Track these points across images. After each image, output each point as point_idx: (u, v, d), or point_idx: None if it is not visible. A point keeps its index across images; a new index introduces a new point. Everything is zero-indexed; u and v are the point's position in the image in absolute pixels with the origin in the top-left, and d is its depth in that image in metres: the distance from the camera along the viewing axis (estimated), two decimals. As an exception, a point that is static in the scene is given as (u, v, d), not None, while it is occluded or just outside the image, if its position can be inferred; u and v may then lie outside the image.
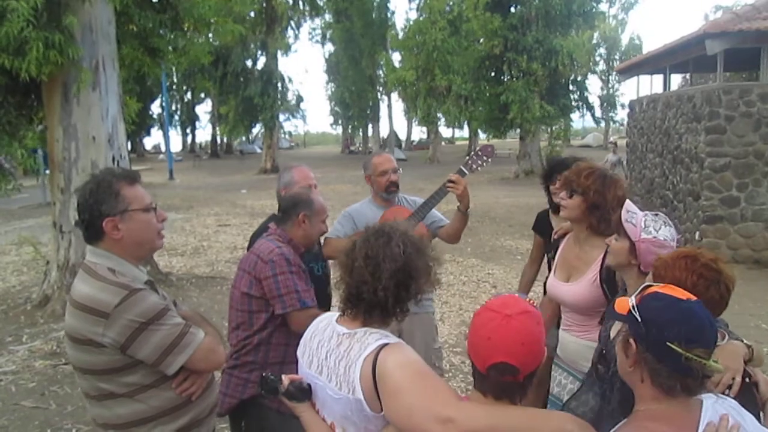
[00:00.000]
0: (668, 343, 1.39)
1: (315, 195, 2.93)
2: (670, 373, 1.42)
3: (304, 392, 1.84)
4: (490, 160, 3.58)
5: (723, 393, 1.72)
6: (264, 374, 1.92)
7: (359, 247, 1.81)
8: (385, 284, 1.74)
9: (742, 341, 1.93)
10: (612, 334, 2.29)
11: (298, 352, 1.96)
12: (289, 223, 2.82)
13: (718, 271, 1.84)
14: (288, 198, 2.91)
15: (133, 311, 1.92)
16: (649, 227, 2.23)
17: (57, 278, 7.41)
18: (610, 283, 2.63)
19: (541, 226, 3.88)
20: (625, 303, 1.53)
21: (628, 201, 2.39)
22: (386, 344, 1.71)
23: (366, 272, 1.76)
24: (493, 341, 1.54)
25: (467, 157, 3.61)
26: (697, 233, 9.84)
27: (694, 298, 1.49)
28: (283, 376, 1.88)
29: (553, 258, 3.07)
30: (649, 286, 1.54)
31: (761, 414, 1.77)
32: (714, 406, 1.48)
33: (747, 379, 1.80)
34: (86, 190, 2.03)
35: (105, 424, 2.06)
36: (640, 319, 1.45)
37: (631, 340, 1.47)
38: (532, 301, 1.68)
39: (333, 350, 1.79)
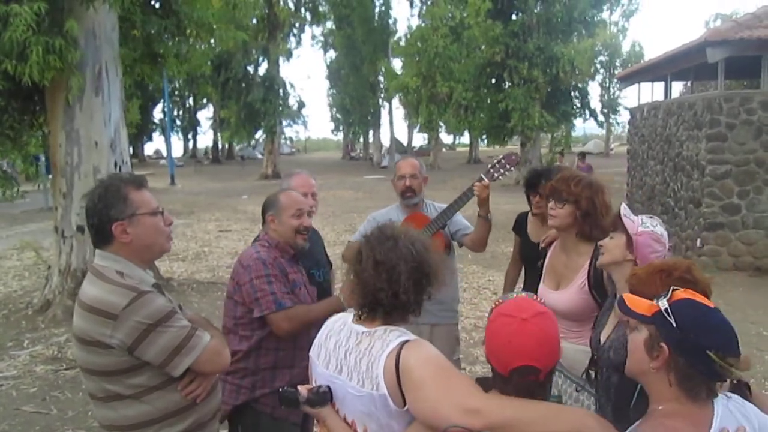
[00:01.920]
0: (708, 352, 1.42)
1: (284, 193, 2.90)
2: (701, 379, 1.46)
3: (324, 396, 1.85)
4: (513, 168, 3.55)
5: None
6: (280, 389, 1.96)
7: (366, 256, 1.83)
8: (405, 287, 1.78)
9: None
10: (602, 339, 2.31)
11: (312, 353, 1.97)
12: (266, 227, 2.85)
13: (693, 282, 1.83)
14: (263, 204, 2.93)
15: (140, 313, 1.94)
16: (645, 222, 2.28)
17: (58, 283, 7.42)
18: (598, 288, 2.67)
19: (519, 227, 3.94)
20: (645, 303, 1.55)
21: (622, 203, 2.43)
22: (407, 341, 1.75)
23: (380, 279, 1.78)
24: (513, 345, 1.59)
25: (489, 165, 3.57)
26: (699, 240, 9.84)
27: (715, 306, 1.53)
28: (299, 387, 1.90)
29: (542, 266, 3.10)
30: (676, 290, 1.55)
31: None
32: (726, 404, 1.52)
33: (734, 381, 1.79)
34: (95, 195, 2.06)
35: (111, 425, 2.07)
36: (676, 325, 1.47)
37: (663, 344, 1.48)
38: (541, 299, 1.71)
39: (352, 349, 1.81)
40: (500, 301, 1.73)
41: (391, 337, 1.76)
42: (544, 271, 3.04)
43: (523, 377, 1.59)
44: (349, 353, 1.82)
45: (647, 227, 2.27)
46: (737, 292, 8.33)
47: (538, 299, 1.70)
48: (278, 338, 2.67)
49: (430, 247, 1.89)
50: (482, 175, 3.45)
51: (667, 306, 1.50)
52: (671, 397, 1.50)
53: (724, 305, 7.41)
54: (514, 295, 1.74)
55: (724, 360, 1.42)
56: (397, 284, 1.77)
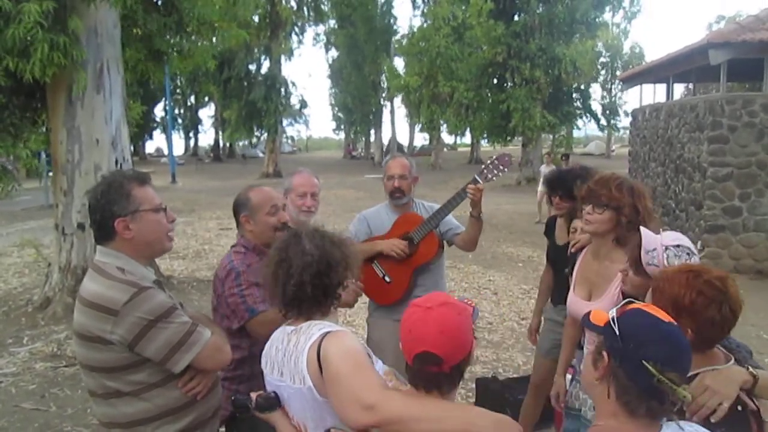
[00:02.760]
0: (644, 362, 1.36)
1: (253, 190, 2.76)
2: (638, 392, 1.39)
3: (271, 401, 1.88)
4: (506, 170, 3.49)
5: (707, 416, 1.68)
6: (233, 397, 1.99)
7: (272, 254, 1.92)
8: (302, 279, 1.83)
9: (759, 369, 1.83)
10: None
11: (262, 364, 1.99)
12: (240, 229, 2.74)
13: (721, 291, 1.75)
14: (233, 207, 2.80)
15: (141, 309, 1.94)
16: (673, 263, 2.07)
17: (58, 280, 7.41)
18: (634, 300, 2.57)
19: (549, 230, 3.91)
20: (603, 315, 1.51)
21: (644, 236, 2.19)
22: (329, 332, 1.78)
23: (281, 273, 1.85)
24: (413, 333, 1.60)
25: (483, 166, 3.53)
26: (699, 243, 9.83)
27: (674, 322, 1.46)
28: (251, 393, 1.93)
29: (571, 273, 2.99)
30: (631, 302, 1.52)
31: None
32: None
33: (739, 407, 1.73)
34: (98, 192, 2.06)
35: (110, 422, 2.07)
36: (618, 333, 1.41)
37: (605, 353, 1.44)
38: (470, 302, 1.70)
39: (284, 349, 1.86)
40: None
41: (314, 330, 1.80)
42: (573, 279, 2.93)
43: (424, 364, 1.58)
44: (284, 354, 1.86)
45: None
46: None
47: (469, 301, 1.70)
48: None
49: (341, 243, 1.94)
50: (476, 177, 3.42)
51: (614, 315, 1.46)
52: (610, 412, 1.44)
53: (725, 308, 7.41)
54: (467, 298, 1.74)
55: (662, 374, 1.35)
56: (293, 277, 1.84)
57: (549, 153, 16.09)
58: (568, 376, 3.15)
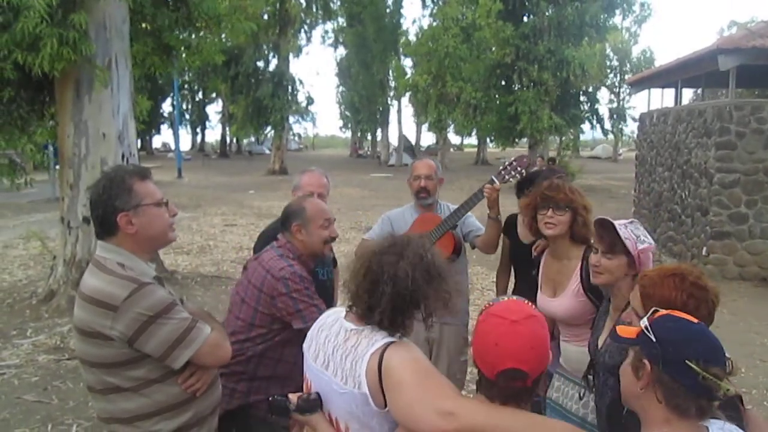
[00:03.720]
0: (687, 362, 1.40)
1: (309, 201, 2.81)
2: (687, 392, 1.42)
3: (314, 403, 1.84)
4: (524, 171, 3.53)
5: None
6: (270, 398, 1.94)
7: (367, 258, 1.82)
8: (383, 307, 1.74)
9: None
10: (600, 344, 2.31)
11: (304, 346, 1.97)
12: (288, 234, 2.76)
13: (705, 289, 1.86)
14: (284, 211, 2.83)
15: (141, 304, 1.94)
16: (639, 236, 2.30)
17: (63, 273, 7.44)
18: (593, 290, 2.66)
19: (509, 229, 3.87)
20: (629, 329, 1.55)
21: (611, 220, 2.40)
22: (393, 342, 1.74)
23: (363, 289, 1.77)
24: (501, 348, 1.55)
25: (501, 167, 3.57)
26: (705, 249, 9.79)
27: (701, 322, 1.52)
28: (290, 395, 1.89)
29: (536, 275, 3.09)
30: (657, 310, 1.55)
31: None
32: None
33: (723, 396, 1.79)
34: (99, 186, 2.06)
35: (109, 418, 2.07)
36: (655, 339, 1.45)
37: (645, 361, 1.46)
38: (531, 304, 1.68)
39: (340, 346, 1.81)
40: (491, 303, 1.71)
41: (378, 336, 1.75)
42: (540, 280, 3.04)
43: (509, 381, 1.55)
44: (336, 350, 1.81)
45: (643, 242, 2.28)
46: (742, 302, 8.29)
47: (528, 303, 1.67)
48: (281, 350, 2.64)
49: (441, 278, 1.80)
50: (493, 177, 3.46)
51: (647, 324, 1.49)
52: (662, 419, 1.46)
53: (729, 315, 7.39)
54: (506, 298, 1.71)
55: (706, 371, 1.39)
56: (375, 300, 1.75)
57: (541, 157, 15.57)
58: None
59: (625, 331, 1.55)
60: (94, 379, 2.05)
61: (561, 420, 2.44)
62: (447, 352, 3.61)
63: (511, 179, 3.52)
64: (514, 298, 1.70)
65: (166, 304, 1.99)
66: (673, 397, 1.43)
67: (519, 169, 3.50)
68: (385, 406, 1.69)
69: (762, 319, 7.47)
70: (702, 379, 1.39)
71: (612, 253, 2.39)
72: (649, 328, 1.47)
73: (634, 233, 2.31)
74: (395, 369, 1.66)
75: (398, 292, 1.74)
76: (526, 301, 1.69)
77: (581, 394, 2.67)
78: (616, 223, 2.34)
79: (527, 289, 3.41)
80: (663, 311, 1.55)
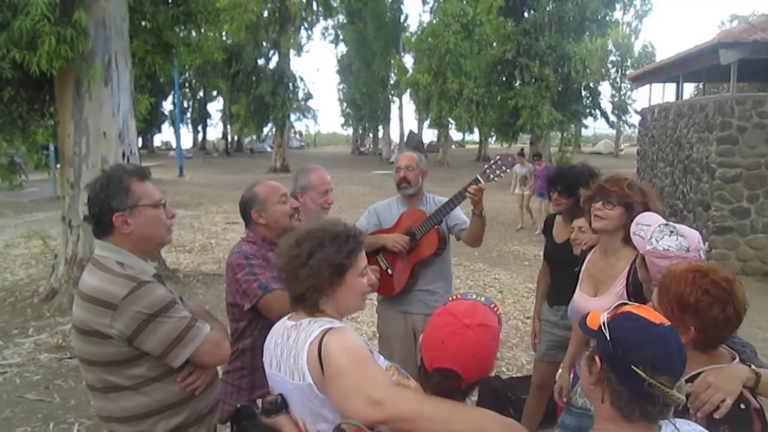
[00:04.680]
0: (633, 367, 1.35)
1: (258, 186, 2.80)
2: (630, 396, 1.38)
3: (276, 405, 1.84)
4: (509, 170, 3.53)
5: (710, 412, 1.69)
6: (239, 405, 1.97)
7: (285, 243, 1.88)
8: (316, 260, 1.79)
9: (763, 369, 1.84)
10: None
11: (264, 358, 1.97)
12: (252, 225, 2.76)
13: (727, 291, 1.76)
14: (239, 206, 2.83)
15: (140, 303, 1.93)
16: (652, 238, 2.19)
17: (65, 272, 7.45)
18: (637, 295, 2.56)
19: (547, 229, 3.89)
20: (597, 318, 1.50)
21: (644, 214, 2.34)
22: (330, 328, 1.75)
23: (304, 270, 1.80)
24: (445, 346, 1.56)
25: (486, 166, 3.55)
26: (707, 244, 9.75)
27: (667, 323, 1.45)
28: (256, 400, 1.90)
29: (578, 273, 2.99)
30: (624, 304, 1.51)
31: None
32: None
33: (742, 405, 1.73)
34: (97, 185, 2.06)
35: (108, 416, 2.07)
36: (608, 338, 1.41)
37: (597, 358, 1.43)
38: (495, 307, 1.67)
39: (284, 344, 1.83)
40: (458, 296, 1.70)
41: (314, 327, 1.77)
42: (580, 277, 2.94)
43: (443, 379, 1.57)
44: (282, 349, 1.84)
45: (651, 245, 2.18)
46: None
47: (492, 310, 1.65)
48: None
49: (345, 226, 1.90)
50: (478, 176, 3.46)
51: (605, 319, 1.45)
52: (607, 417, 1.44)
53: (731, 309, 7.37)
54: (474, 296, 1.69)
55: (652, 377, 1.34)
56: (296, 269, 1.80)
57: (521, 153, 14.82)
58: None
59: (592, 321, 1.50)
60: (93, 377, 2.04)
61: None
62: None
63: (495, 178, 3.51)
64: (482, 299, 1.68)
65: (166, 303, 1.98)
66: (616, 399, 1.40)
67: (504, 167, 3.48)
68: None
69: (764, 313, 7.45)
70: (647, 386, 1.35)
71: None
72: (606, 325, 1.43)
73: (650, 235, 2.20)
74: (333, 357, 1.67)
75: (320, 240, 1.81)
76: (492, 307, 1.67)
77: None
78: (647, 219, 2.28)
79: (561, 290, 3.37)
80: (628, 306, 1.49)
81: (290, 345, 1.80)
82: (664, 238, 2.16)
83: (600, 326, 1.44)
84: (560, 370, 3.19)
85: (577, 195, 3.12)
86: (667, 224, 2.22)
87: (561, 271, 3.53)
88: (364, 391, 1.61)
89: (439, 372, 1.57)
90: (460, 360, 1.55)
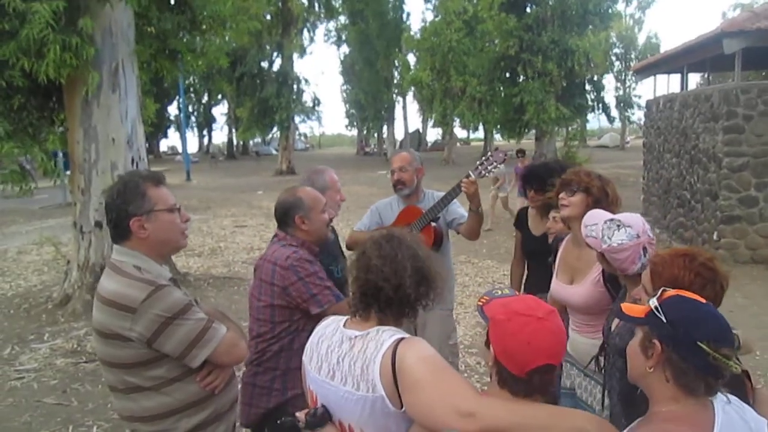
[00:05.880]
0: (698, 343, 1.42)
1: (302, 191, 2.84)
2: (696, 372, 1.45)
3: (322, 417, 1.81)
4: (500, 166, 3.60)
5: None
6: (278, 421, 1.94)
7: (370, 248, 1.85)
8: (408, 282, 1.78)
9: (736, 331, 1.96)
10: (613, 327, 2.34)
11: (305, 358, 1.95)
12: (291, 230, 2.78)
13: (714, 270, 1.91)
14: (278, 207, 2.85)
15: (159, 306, 1.98)
16: (604, 236, 2.31)
17: (77, 278, 7.52)
18: (612, 281, 2.66)
19: (520, 222, 4.02)
20: (637, 308, 1.58)
21: (588, 214, 2.46)
22: (402, 338, 1.72)
23: (385, 270, 1.78)
24: (533, 346, 1.55)
25: (478, 162, 3.61)
26: (715, 233, 9.75)
27: (704, 301, 1.54)
28: (297, 413, 1.86)
29: (554, 261, 3.11)
30: (666, 290, 1.57)
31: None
32: (725, 408, 1.50)
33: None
34: (114, 191, 2.11)
35: (131, 416, 2.11)
36: (666, 320, 1.48)
37: (655, 341, 1.49)
38: (538, 298, 1.71)
39: (345, 354, 1.78)
40: (487, 298, 1.72)
41: (384, 336, 1.73)
42: (556, 266, 3.05)
43: (544, 376, 1.57)
44: (341, 358, 1.79)
45: (606, 243, 2.29)
46: (755, 285, 8.26)
47: (535, 297, 1.71)
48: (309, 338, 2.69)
49: (429, 272, 1.86)
50: (470, 172, 3.51)
51: (657, 304, 1.52)
52: (669, 396, 1.49)
53: (742, 298, 7.37)
54: (499, 292, 1.73)
55: (716, 351, 1.42)
56: (401, 278, 1.77)
57: (521, 150, 14.07)
58: None
59: (632, 310, 1.59)
60: (115, 379, 2.09)
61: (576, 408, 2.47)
62: (435, 337, 3.65)
63: (487, 174, 3.58)
64: (507, 291, 1.74)
65: (183, 305, 2.03)
66: (682, 377, 1.46)
67: (495, 163, 3.55)
68: (402, 406, 1.66)
69: (775, 302, 7.46)
70: (712, 360, 1.42)
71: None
72: (660, 309, 1.50)
73: (602, 233, 2.31)
74: (411, 368, 1.63)
75: (417, 266, 1.80)
76: (516, 294, 1.72)
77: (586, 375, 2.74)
78: (593, 218, 2.39)
79: (539, 280, 3.47)
80: (672, 291, 1.57)
81: (356, 354, 1.75)
82: (614, 234, 2.30)
83: (649, 312, 1.52)
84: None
85: (548, 189, 3.27)
86: (612, 219, 2.34)
87: (538, 262, 3.66)
88: (453, 403, 1.57)
89: (536, 372, 1.56)
90: (551, 352, 1.57)
